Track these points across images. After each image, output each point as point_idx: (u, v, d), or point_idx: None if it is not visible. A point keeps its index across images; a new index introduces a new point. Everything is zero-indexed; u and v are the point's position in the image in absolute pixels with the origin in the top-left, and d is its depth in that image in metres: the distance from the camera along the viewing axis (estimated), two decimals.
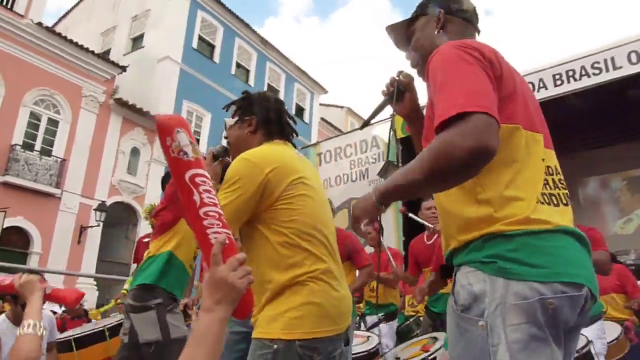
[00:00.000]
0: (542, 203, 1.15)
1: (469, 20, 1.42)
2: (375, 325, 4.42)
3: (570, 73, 4.95)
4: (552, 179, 1.22)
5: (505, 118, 1.14)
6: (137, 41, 18.21)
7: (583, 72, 4.88)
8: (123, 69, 15.51)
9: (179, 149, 1.10)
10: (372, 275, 3.84)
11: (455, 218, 1.20)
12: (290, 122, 1.86)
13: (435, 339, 2.90)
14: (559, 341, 1.07)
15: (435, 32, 1.40)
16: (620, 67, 4.70)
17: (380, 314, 4.52)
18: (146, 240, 4.51)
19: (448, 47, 1.20)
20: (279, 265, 1.52)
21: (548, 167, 1.22)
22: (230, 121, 1.80)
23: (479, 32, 1.45)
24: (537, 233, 1.10)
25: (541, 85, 5.09)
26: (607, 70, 4.76)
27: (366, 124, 1.60)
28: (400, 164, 6.36)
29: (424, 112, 1.35)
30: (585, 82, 4.85)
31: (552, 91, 4.93)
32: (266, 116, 1.76)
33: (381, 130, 6.89)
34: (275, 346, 1.42)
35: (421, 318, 4.10)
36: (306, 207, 1.57)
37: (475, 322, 1.08)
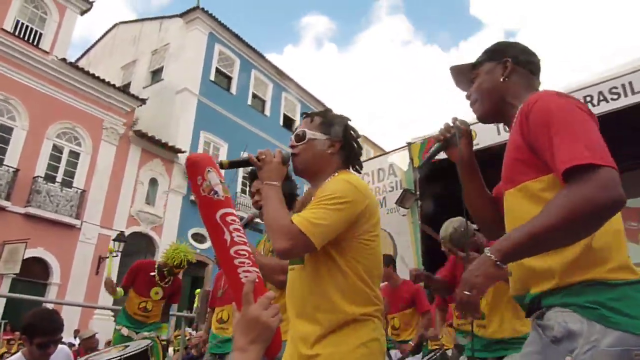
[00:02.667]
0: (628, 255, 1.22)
1: (534, 72, 1.49)
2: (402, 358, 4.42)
3: (588, 99, 4.93)
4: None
5: None
6: (156, 74, 18.68)
7: (601, 98, 4.86)
8: (143, 101, 15.88)
9: (209, 188, 1.12)
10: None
11: (554, 261, 1.22)
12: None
13: None
14: None
15: (501, 80, 1.47)
16: (638, 92, 4.66)
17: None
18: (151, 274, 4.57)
19: (557, 96, 1.26)
20: (354, 297, 1.48)
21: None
22: (311, 133, 1.65)
23: (540, 83, 1.51)
24: (634, 284, 1.17)
25: (602, 98, 5.06)
26: (626, 95, 4.73)
27: (420, 167, 1.73)
28: (417, 192, 6.34)
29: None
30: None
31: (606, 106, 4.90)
32: (350, 143, 1.70)
33: (397, 159, 6.89)
34: None
35: (447, 351, 4.07)
36: (377, 248, 1.58)
37: (562, 355, 1.14)
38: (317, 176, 1.65)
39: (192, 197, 15.72)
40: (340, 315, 1.46)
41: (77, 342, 11.17)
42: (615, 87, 4.84)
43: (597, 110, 4.84)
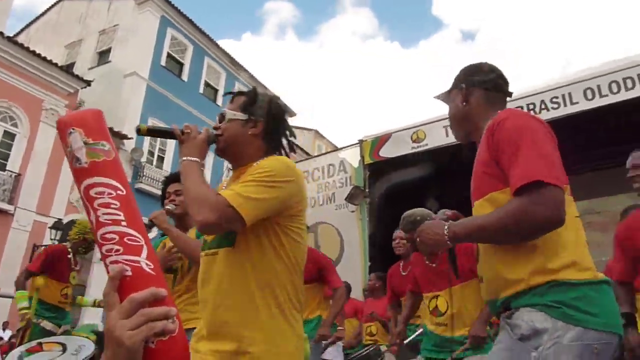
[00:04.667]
0: (585, 255, 1.35)
1: (492, 89, 1.61)
2: (327, 346, 4.42)
3: (531, 107, 5.15)
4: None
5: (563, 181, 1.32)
6: (103, 55, 17.86)
7: (542, 106, 5.08)
8: (87, 83, 15.13)
9: (72, 154, 0.78)
10: (343, 297, 3.81)
11: (523, 270, 1.35)
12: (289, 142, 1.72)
13: None
14: None
15: (461, 105, 1.63)
16: (577, 103, 4.91)
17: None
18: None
19: (522, 115, 1.41)
20: (289, 287, 1.43)
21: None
22: (232, 114, 1.57)
23: (508, 94, 1.65)
24: (593, 284, 1.30)
25: (543, 107, 5.23)
26: (565, 105, 4.97)
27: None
28: (367, 190, 6.41)
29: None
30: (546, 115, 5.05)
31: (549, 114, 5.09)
32: (275, 124, 1.62)
33: (348, 155, 6.94)
34: None
35: (381, 347, 4.12)
36: (306, 237, 1.54)
37: (529, 352, 1.26)
38: (239, 158, 1.57)
39: (137, 185, 15.23)
40: (277, 307, 1.40)
41: (6, 335, 10.56)
42: (556, 97, 5.07)
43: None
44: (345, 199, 6.46)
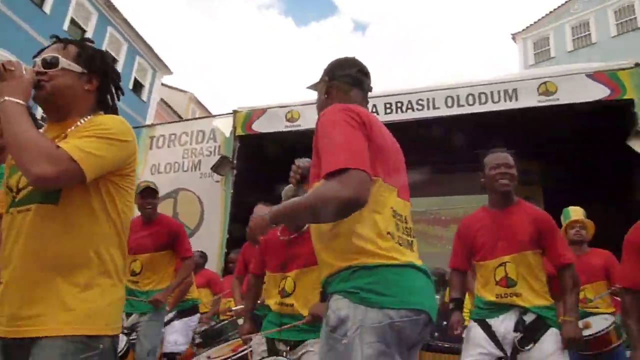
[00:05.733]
0: (399, 244, 1.44)
1: (352, 83, 1.69)
2: (169, 322, 4.23)
3: (399, 104, 5.51)
4: (402, 226, 1.50)
5: (371, 171, 1.39)
6: None
7: (409, 106, 5.47)
8: None
9: None
10: (192, 267, 3.66)
11: (331, 252, 1.45)
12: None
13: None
14: (402, 354, 1.35)
15: (323, 97, 1.71)
16: (438, 108, 5.38)
17: (174, 311, 4.27)
18: None
19: (334, 110, 1.47)
20: (115, 250, 1.39)
21: (401, 215, 1.51)
22: (66, 63, 1.43)
23: (367, 88, 1.74)
24: (392, 267, 1.38)
25: (374, 110, 5.55)
26: (428, 108, 5.42)
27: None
28: (235, 161, 6.31)
29: None
30: (409, 115, 5.45)
31: (382, 117, 5.41)
32: (109, 84, 1.55)
33: (221, 124, 6.75)
34: (101, 346, 1.32)
35: (238, 321, 4.07)
36: (132, 201, 1.50)
37: (340, 340, 1.33)
38: (65, 111, 1.45)
39: None
40: (97, 270, 1.34)
41: None
42: (422, 100, 5.49)
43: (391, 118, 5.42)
44: (212, 168, 6.30)
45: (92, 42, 1.58)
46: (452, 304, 2.74)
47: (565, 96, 5.08)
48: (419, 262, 1.48)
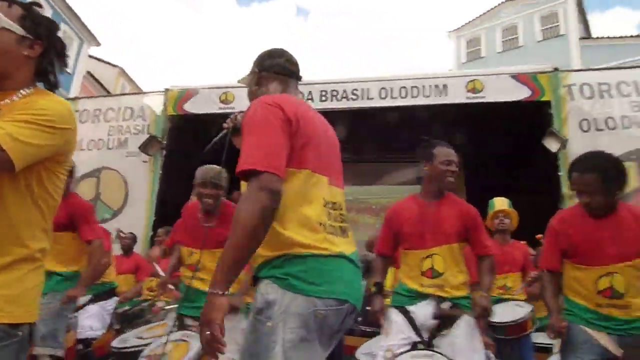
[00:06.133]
0: (330, 233, 1.48)
1: (281, 72, 1.73)
2: (81, 306, 3.97)
3: (334, 93, 5.55)
4: (334, 213, 1.53)
5: (297, 164, 1.46)
6: None
7: (344, 95, 5.52)
8: None
9: None
10: (102, 250, 3.43)
11: (264, 243, 1.41)
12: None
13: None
14: (323, 341, 1.41)
15: (254, 87, 1.74)
16: (372, 99, 5.48)
17: (89, 294, 4.01)
18: None
19: (256, 105, 1.49)
20: (37, 234, 1.30)
21: (333, 203, 1.54)
22: (7, 22, 1.31)
23: (297, 77, 1.78)
24: (322, 257, 1.43)
25: (309, 97, 5.55)
26: (362, 98, 5.50)
27: (206, 149, 1.88)
28: (164, 142, 6.09)
29: None
30: (344, 104, 5.50)
31: (316, 105, 5.42)
32: (54, 55, 1.41)
33: (152, 102, 6.47)
34: (20, 333, 1.26)
35: (157, 303, 3.98)
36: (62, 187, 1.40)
37: (264, 323, 1.36)
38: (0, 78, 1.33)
39: None
40: (19, 255, 1.26)
41: None
42: (356, 90, 5.56)
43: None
44: (140, 148, 6.03)
45: (40, 6, 1.45)
46: (374, 287, 2.79)
47: (491, 94, 5.34)
48: (351, 249, 1.53)
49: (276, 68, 1.73)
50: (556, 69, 5.41)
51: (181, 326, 2.78)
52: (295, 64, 1.78)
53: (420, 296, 2.58)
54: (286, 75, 1.74)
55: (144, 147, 5.99)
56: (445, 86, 5.42)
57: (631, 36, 18.50)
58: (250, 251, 1.36)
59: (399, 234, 2.72)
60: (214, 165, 2.90)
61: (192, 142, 6.29)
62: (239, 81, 1.86)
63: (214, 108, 5.99)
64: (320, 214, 1.48)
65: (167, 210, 5.69)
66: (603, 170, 2.27)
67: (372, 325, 4.09)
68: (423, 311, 2.54)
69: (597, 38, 19.71)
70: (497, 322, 3.31)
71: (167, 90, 6.27)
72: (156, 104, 6.37)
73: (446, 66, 21.38)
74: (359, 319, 4.31)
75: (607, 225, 2.30)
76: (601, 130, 5.37)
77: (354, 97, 5.53)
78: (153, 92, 6.61)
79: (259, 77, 1.74)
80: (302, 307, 1.36)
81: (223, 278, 1.33)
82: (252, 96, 1.74)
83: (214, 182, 2.87)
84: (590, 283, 2.32)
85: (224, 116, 5.92)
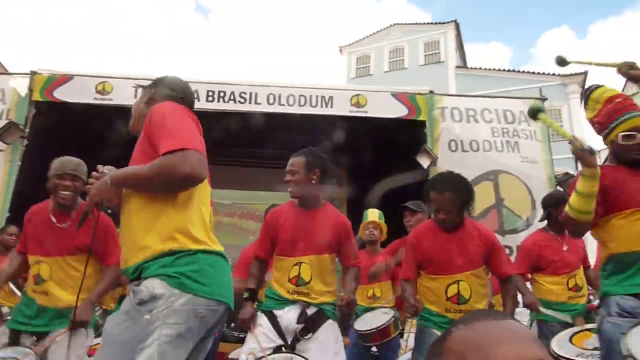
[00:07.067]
0: (211, 232, 1.61)
1: (174, 98, 1.81)
2: None
3: (222, 94, 5.44)
4: (211, 215, 1.68)
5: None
6: None
7: (231, 97, 5.45)
8: None
9: None
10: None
11: (149, 237, 1.54)
12: None
13: None
14: (197, 341, 1.47)
15: (144, 105, 1.83)
16: (260, 104, 5.47)
17: None
18: None
19: (172, 104, 1.67)
20: None
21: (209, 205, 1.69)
22: None
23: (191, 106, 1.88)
24: (210, 255, 1.55)
25: (195, 96, 5.36)
26: (250, 102, 5.46)
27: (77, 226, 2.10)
28: (27, 130, 5.47)
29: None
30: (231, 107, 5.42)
31: (202, 104, 5.26)
32: None
33: (15, 84, 5.78)
34: None
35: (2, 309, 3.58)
36: None
37: (143, 315, 1.41)
38: None
39: None
40: None
41: None
42: (245, 93, 5.50)
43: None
44: None
45: None
46: (247, 293, 2.75)
47: (373, 110, 5.60)
48: (222, 249, 1.64)
49: (169, 99, 1.80)
50: (431, 92, 5.85)
51: (15, 342, 2.47)
52: (191, 104, 1.90)
53: (287, 302, 2.61)
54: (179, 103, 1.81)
55: (1, 134, 5.32)
56: (331, 98, 5.58)
57: (502, 70, 20.81)
58: (144, 187, 1.56)
59: (274, 238, 2.72)
60: (74, 158, 2.66)
61: (59, 133, 5.75)
62: (134, 86, 1.93)
63: (89, 98, 5.52)
64: (208, 213, 1.64)
65: (25, 206, 5.10)
66: (457, 190, 2.52)
67: (245, 332, 4.05)
68: (288, 315, 2.58)
69: (472, 68, 21.86)
70: (362, 330, 3.46)
71: (33, 73, 5.65)
72: (20, 86, 5.70)
73: (337, 79, 22.21)
74: (232, 324, 4.25)
75: (455, 238, 2.57)
76: (466, 151, 5.91)
77: (241, 100, 5.47)
78: (17, 73, 5.92)
79: (150, 98, 1.84)
80: (187, 305, 1.44)
81: (120, 178, 1.58)
82: (139, 112, 1.84)
83: (73, 174, 2.61)
84: (441, 291, 2.56)
85: (100, 108, 5.51)
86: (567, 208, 2.09)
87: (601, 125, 2.17)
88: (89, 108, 5.52)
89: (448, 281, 2.55)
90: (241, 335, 4.13)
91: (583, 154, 1.98)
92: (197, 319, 1.45)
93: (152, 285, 1.45)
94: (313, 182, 2.63)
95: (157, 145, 1.52)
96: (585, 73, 19.49)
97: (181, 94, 1.85)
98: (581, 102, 2.30)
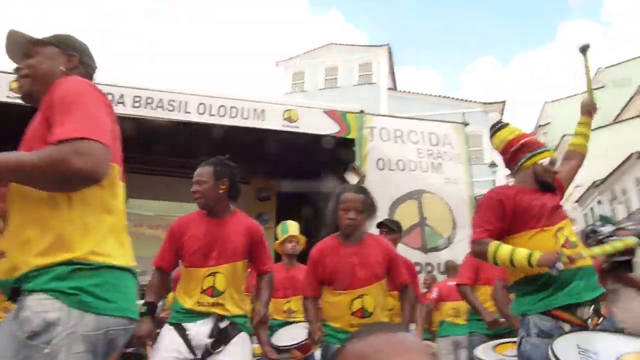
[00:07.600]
0: (117, 243, 1.34)
1: (89, 75, 1.56)
2: None
3: (149, 100, 5.26)
4: (121, 215, 1.41)
5: (112, 156, 1.31)
6: None
7: (160, 104, 5.28)
8: None
9: None
10: None
11: (36, 241, 1.23)
12: None
13: None
14: None
15: (62, 68, 1.47)
16: (189, 112, 5.34)
17: None
18: None
19: (82, 82, 1.36)
20: None
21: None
22: None
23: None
24: (115, 269, 1.28)
25: (121, 101, 5.14)
26: (179, 111, 5.32)
27: None
28: None
29: None
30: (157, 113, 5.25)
31: (128, 110, 5.05)
32: None
33: None
34: None
35: None
36: None
37: (42, 350, 1.13)
38: None
39: None
40: None
41: None
42: (173, 100, 5.35)
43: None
44: None
45: None
46: (144, 307, 2.52)
47: (304, 126, 5.64)
48: (132, 263, 1.40)
49: (91, 71, 1.59)
50: (362, 111, 6.00)
51: None
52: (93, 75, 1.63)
53: (198, 315, 2.50)
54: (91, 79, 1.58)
55: None
56: (263, 111, 5.55)
57: (429, 95, 21.85)
58: (29, 178, 1.22)
59: (180, 249, 2.60)
60: None
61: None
62: (11, 30, 1.53)
63: (1, 96, 5.13)
64: (123, 218, 1.41)
65: None
66: (368, 194, 2.73)
67: (141, 351, 3.83)
68: (199, 328, 2.47)
69: (402, 91, 22.76)
70: (281, 346, 3.40)
71: None
72: None
73: (272, 94, 22.22)
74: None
75: (356, 252, 2.64)
76: (393, 170, 6.11)
77: (170, 107, 5.30)
78: None
79: (74, 65, 1.51)
80: (93, 327, 1.20)
81: (8, 162, 1.18)
82: (49, 73, 1.45)
83: None
84: (345, 306, 2.60)
85: (13, 107, 5.15)
86: (490, 254, 2.15)
87: (516, 153, 2.41)
88: (1, 107, 5.12)
89: (352, 296, 2.59)
90: (139, 353, 3.89)
91: (591, 108, 2.59)
92: (107, 341, 1.23)
93: (44, 308, 1.16)
94: (221, 191, 2.58)
95: (53, 129, 1.24)
96: (503, 102, 20.99)
97: (94, 65, 1.62)
98: (490, 134, 2.57)
